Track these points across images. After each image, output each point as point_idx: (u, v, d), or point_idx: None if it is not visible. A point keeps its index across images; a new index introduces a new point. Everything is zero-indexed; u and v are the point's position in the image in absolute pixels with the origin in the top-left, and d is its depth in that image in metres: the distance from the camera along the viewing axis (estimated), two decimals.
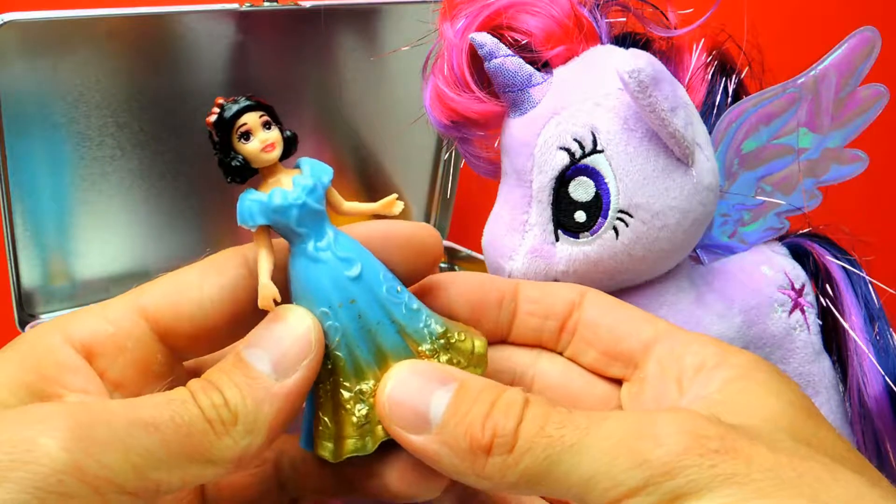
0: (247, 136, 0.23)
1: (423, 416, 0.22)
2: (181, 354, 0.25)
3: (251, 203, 0.23)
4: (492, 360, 0.27)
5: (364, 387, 0.24)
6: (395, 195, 0.25)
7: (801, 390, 0.23)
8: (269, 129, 0.23)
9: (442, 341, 0.25)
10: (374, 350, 0.24)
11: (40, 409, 0.20)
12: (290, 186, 0.24)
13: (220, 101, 0.23)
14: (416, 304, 0.25)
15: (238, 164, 0.23)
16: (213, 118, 0.23)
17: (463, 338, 0.25)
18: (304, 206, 0.23)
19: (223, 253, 0.25)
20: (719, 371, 0.23)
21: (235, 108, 0.23)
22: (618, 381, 0.26)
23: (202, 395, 0.22)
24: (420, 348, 0.25)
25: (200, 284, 0.25)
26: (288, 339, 0.23)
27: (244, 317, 0.25)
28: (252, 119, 0.23)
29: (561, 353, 0.27)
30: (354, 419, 0.24)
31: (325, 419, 0.25)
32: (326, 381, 0.25)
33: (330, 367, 0.24)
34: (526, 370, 0.27)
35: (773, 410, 0.21)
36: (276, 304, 0.24)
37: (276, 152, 0.24)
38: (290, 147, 0.24)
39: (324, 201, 0.24)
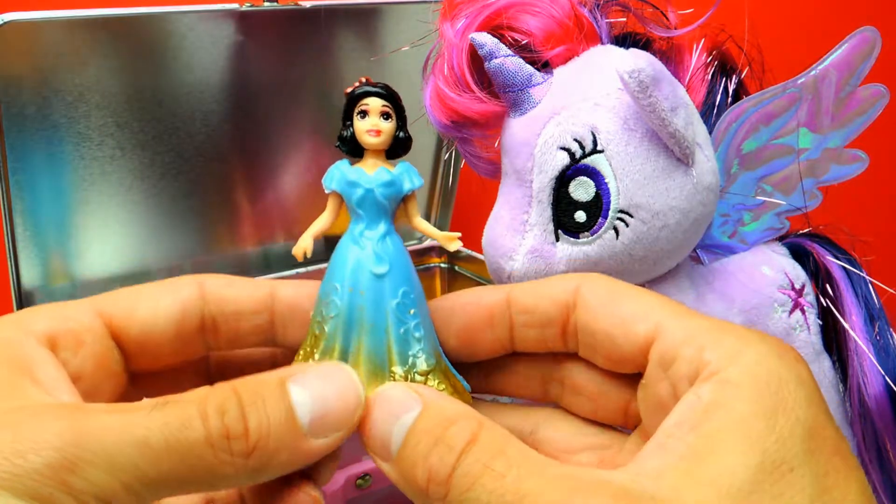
0: (363, 114, 0.26)
1: (387, 444, 0.22)
2: (130, 361, 0.26)
3: (335, 170, 0.26)
4: (502, 373, 0.28)
5: None
6: (458, 234, 0.27)
7: (807, 403, 0.20)
8: (386, 119, 0.26)
9: (421, 378, 0.25)
10: (356, 344, 0.25)
11: (32, 423, 0.20)
12: (371, 173, 0.26)
13: (363, 79, 0.26)
14: (420, 334, 0.25)
15: (346, 134, 0.26)
16: (348, 90, 0.26)
17: (442, 388, 0.26)
18: (370, 192, 0.25)
19: (183, 277, 0.27)
20: (706, 391, 0.21)
21: (365, 88, 0.26)
22: (638, 374, 0.25)
23: (215, 418, 0.20)
24: (394, 368, 0.25)
25: (157, 295, 0.26)
26: (335, 403, 0.22)
27: (188, 337, 0.26)
28: (374, 103, 0.25)
29: (576, 353, 0.26)
30: None
31: None
32: (307, 345, 0.26)
33: (317, 333, 0.25)
34: (541, 378, 0.27)
35: (726, 480, 0.19)
36: (306, 258, 0.26)
37: (379, 140, 0.26)
38: (398, 145, 0.26)
39: (395, 202, 0.26)
